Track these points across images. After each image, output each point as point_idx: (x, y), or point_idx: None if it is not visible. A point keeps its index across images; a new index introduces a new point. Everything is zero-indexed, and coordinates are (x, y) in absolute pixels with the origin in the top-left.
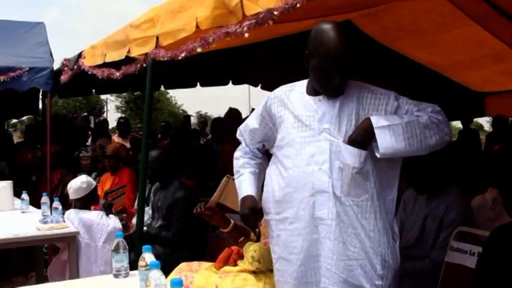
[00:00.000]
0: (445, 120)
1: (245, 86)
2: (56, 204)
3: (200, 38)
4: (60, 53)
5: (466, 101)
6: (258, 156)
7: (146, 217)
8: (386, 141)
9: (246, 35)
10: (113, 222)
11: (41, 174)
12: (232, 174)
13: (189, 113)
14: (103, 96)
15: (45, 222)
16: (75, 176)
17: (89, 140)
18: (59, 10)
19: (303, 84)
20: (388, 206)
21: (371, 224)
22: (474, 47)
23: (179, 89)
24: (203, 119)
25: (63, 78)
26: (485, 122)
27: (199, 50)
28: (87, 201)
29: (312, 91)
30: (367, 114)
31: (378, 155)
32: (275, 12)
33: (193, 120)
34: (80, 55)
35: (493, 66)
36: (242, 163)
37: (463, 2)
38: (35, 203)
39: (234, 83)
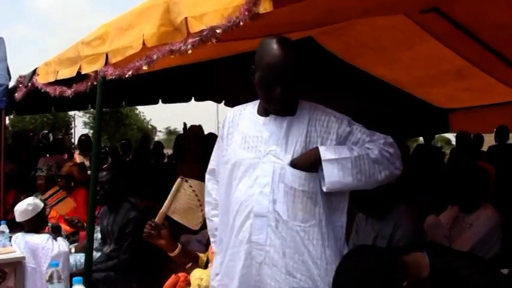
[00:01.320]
0: (397, 153)
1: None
2: (3, 227)
3: (145, 56)
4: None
5: (429, 117)
6: None
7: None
8: (334, 175)
9: (190, 51)
10: (58, 246)
11: None
12: None
13: (158, 128)
14: (71, 112)
15: None
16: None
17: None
18: (28, 26)
19: (255, 103)
20: (337, 232)
21: (318, 251)
22: (435, 63)
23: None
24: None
25: (18, 95)
26: (452, 136)
27: (145, 67)
28: (34, 224)
29: (262, 111)
30: (318, 136)
31: (324, 189)
32: (218, 31)
33: (161, 136)
34: (34, 72)
35: (455, 83)
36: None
37: (425, 20)
38: None
39: (196, 99)
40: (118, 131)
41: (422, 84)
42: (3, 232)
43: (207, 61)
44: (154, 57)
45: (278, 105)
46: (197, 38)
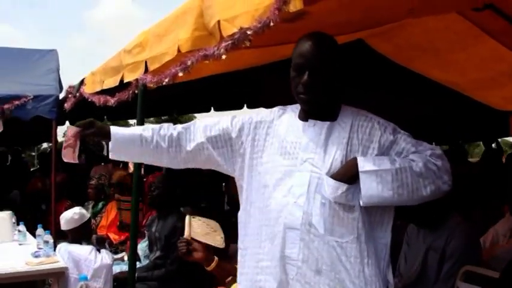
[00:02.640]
0: (446, 166)
1: None
2: (47, 237)
3: (180, 62)
4: None
5: (488, 121)
6: (176, 140)
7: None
8: (372, 188)
9: (224, 56)
10: (101, 258)
11: (50, 203)
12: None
13: None
14: (131, 121)
15: (37, 256)
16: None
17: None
18: (86, 37)
19: (297, 107)
20: (380, 250)
21: (356, 270)
22: (491, 65)
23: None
24: None
25: (67, 105)
26: None
27: (180, 74)
28: (78, 234)
29: (302, 115)
30: (359, 144)
31: (360, 203)
32: (249, 32)
33: None
34: (82, 82)
35: None
36: (159, 127)
37: (479, 18)
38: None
39: (248, 107)
40: None
41: (479, 86)
42: (47, 242)
43: (260, 67)
44: (189, 62)
45: (306, 96)
46: (230, 42)
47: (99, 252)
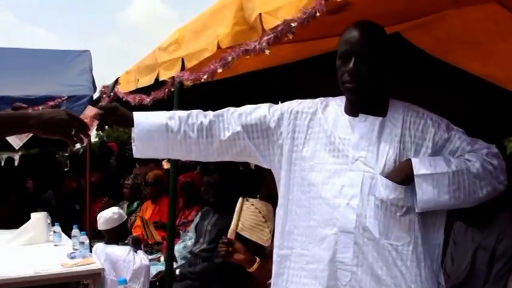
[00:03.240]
0: (502, 165)
1: None
2: (83, 238)
3: (220, 58)
4: None
5: None
6: (209, 128)
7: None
8: (428, 193)
9: (267, 51)
10: (140, 259)
11: (85, 203)
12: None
13: None
14: None
15: (73, 257)
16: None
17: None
18: (120, 37)
19: (341, 100)
20: (433, 252)
21: (412, 274)
22: None
23: None
24: None
25: None
26: None
27: (220, 70)
28: (116, 234)
29: (350, 109)
30: (412, 142)
31: (416, 209)
32: (293, 24)
33: None
34: (116, 81)
35: None
36: (189, 113)
37: None
38: None
39: None
40: None
41: None
42: (83, 243)
43: (295, 63)
44: (229, 58)
45: (351, 85)
46: (272, 35)
47: (136, 253)
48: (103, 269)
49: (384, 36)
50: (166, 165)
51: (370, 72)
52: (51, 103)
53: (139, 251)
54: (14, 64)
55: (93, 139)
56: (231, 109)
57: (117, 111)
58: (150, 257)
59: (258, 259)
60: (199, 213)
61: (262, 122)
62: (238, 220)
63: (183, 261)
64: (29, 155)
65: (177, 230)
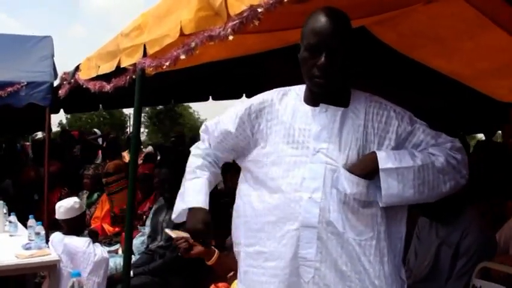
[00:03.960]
0: (465, 159)
1: None
2: (39, 228)
3: (183, 44)
4: None
5: (490, 112)
6: (217, 165)
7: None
8: (393, 188)
9: (231, 37)
10: (100, 251)
11: (43, 193)
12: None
13: None
14: (126, 111)
15: (28, 248)
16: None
17: (99, 158)
18: (85, 26)
19: (300, 89)
20: (396, 246)
21: (376, 269)
22: (499, 55)
23: (203, 103)
24: None
25: (61, 92)
26: None
27: (183, 57)
28: (75, 225)
29: (310, 98)
30: (375, 134)
31: (380, 203)
32: (259, 10)
33: None
34: (77, 68)
35: None
36: (201, 164)
37: (488, 6)
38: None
39: (248, 96)
40: (172, 130)
41: (485, 77)
42: (38, 233)
43: (260, 54)
44: (193, 45)
45: (322, 80)
46: (237, 21)
47: (95, 245)
48: (59, 261)
49: (350, 24)
50: (127, 156)
51: (342, 66)
52: (9, 89)
53: (96, 244)
54: None
55: (55, 128)
56: (208, 148)
57: (209, 229)
58: (108, 249)
59: (216, 252)
60: (153, 209)
61: (235, 140)
62: (178, 232)
63: (139, 256)
64: None
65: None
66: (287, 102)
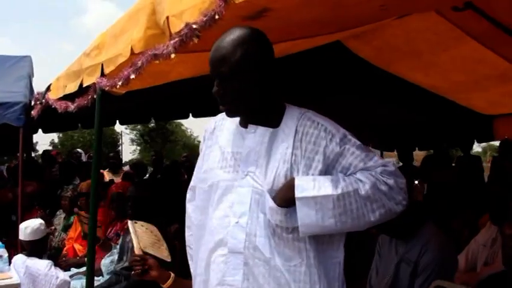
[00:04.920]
0: (399, 184)
1: None
2: (1, 251)
3: (131, 63)
4: None
5: (471, 125)
6: None
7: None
8: (310, 217)
9: (173, 55)
10: (62, 274)
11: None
12: None
13: None
14: (118, 129)
15: None
16: None
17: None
18: (74, 44)
19: None
20: (332, 271)
21: None
22: (474, 67)
23: (196, 119)
24: None
25: (34, 112)
26: None
27: (132, 76)
28: (38, 247)
29: (241, 120)
30: (302, 157)
31: (300, 233)
32: (194, 26)
33: None
34: (48, 88)
35: (498, 88)
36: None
37: (461, 19)
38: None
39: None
40: (164, 147)
41: (463, 89)
42: (1, 256)
43: None
44: (139, 63)
45: (223, 107)
46: (177, 39)
47: (56, 268)
48: (19, 284)
49: (249, 44)
50: (107, 175)
51: (239, 91)
52: None
53: (57, 267)
54: None
55: (48, 146)
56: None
57: None
58: (76, 270)
59: (172, 275)
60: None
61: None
62: (137, 240)
63: (108, 276)
64: None
65: (109, 243)
66: (227, 125)
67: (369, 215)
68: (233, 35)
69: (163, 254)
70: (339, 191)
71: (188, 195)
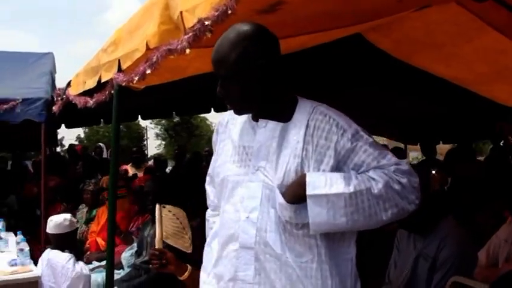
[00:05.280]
0: (413, 183)
1: None
2: (23, 245)
3: (147, 59)
4: None
5: (496, 118)
6: None
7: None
8: (321, 216)
9: (188, 50)
10: (81, 268)
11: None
12: None
13: None
14: (143, 124)
15: (13, 265)
16: None
17: None
18: (98, 40)
19: None
20: (344, 267)
21: None
22: (497, 57)
23: (221, 113)
24: None
25: (55, 108)
26: None
27: (148, 71)
28: (62, 241)
29: (253, 114)
30: (313, 151)
31: (310, 231)
32: (206, 23)
33: None
34: (68, 84)
35: None
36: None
37: (482, 9)
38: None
39: None
40: (189, 142)
41: (485, 81)
42: (22, 250)
43: None
44: (154, 59)
45: (230, 106)
46: (191, 34)
47: (77, 262)
48: (39, 277)
49: (248, 43)
50: (130, 170)
51: (239, 91)
52: (5, 106)
53: (80, 262)
54: None
55: (74, 141)
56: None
57: None
58: (98, 264)
59: (189, 267)
60: (142, 224)
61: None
62: (161, 228)
63: (129, 270)
64: None
65: (130, 236)
66: (239, 119)
67: (381, 213)
68: (230, 34)
69: (185, 244)
70: (351, 189)
71: (207, 179)
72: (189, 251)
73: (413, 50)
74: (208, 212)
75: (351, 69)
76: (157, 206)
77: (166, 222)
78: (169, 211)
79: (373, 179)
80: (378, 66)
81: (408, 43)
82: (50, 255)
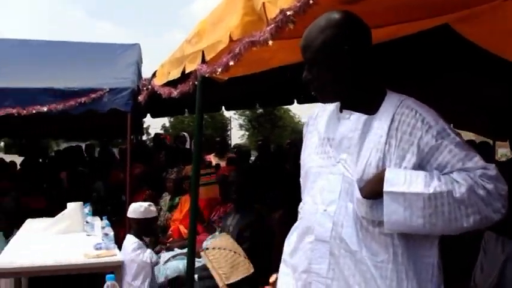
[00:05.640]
0: (500, 189)
1: None
2: (107, 229)
3: (230, 50)
4: None
5: None
6: None
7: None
8: (398, 214)
9: (270, 42)
10: (146, 256)
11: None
12: None
13: None
14: (227, 114)
15: (98, 248)
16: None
17: None
18: (184, 32)
19: None
20: (424, 271)
21: None
22: None
23: (304, 105)
24: None
25: (140, 98)
26: None
27: (231, 63)
28: (139, 227)
29: (340, 106)
30: (396, 146)
31: (385, 230)
32: (288, 13)
33: None
34: (154, 74)
35: None
36: None
37: None
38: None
39: None
40: (272, 133)
41: None
42: (107, 234)
43: None
44: (237, 50)
45: (314, 93)
46: (273, 25)
47: (145, 249)
48: (122, 262)
49: (336, 30)
50: (213, 159)
51: (325, 77)
52: (93, 95)
53: (148, 249)
54: (68, 57)
55: (159, 130)
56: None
57: None
58: (180, 251)
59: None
60: (223, 215)
61: None
62: (218, 273)
63: None
64: (68, 148)
65: (212, 225)
66: (327, 111)
67: (462, 219)
68: (321, 20)
69: (245, 268)
70: (431, 189)
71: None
72: (252, 271)
73: (505, 42)
74: (300, 205)
75: (440, 56)
76: (202, 254)
77: (219, 261)
78: (213, 249)
79: (456, 181)
80: (468, 52)
81: (500, 34)
82: (125, 240)
